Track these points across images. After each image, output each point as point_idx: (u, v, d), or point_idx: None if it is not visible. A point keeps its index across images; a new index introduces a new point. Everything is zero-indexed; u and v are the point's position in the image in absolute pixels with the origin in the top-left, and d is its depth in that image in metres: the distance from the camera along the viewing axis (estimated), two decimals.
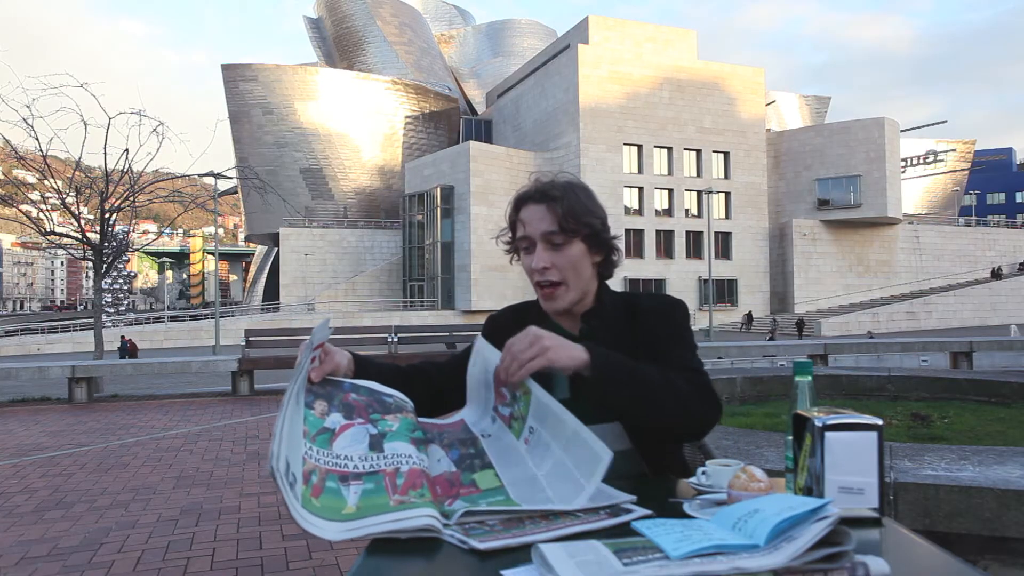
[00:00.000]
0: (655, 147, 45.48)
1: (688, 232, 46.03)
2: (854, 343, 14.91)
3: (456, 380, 1.41)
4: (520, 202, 1.48)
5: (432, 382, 1.49)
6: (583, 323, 1.48)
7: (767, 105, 52.90)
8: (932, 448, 2.76)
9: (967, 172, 72.26)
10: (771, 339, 31.71)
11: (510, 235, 1.51)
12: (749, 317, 43.01)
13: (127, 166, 13.73)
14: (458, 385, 1.37)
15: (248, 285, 79.97)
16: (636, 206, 45.20)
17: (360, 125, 55.17)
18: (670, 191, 46.02)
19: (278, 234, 50.94)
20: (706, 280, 41.42)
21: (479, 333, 1.50)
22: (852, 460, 1.00)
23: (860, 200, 46.17)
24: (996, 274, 49.29)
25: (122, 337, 29.49)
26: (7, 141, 13.40)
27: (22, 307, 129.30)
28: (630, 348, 1.39)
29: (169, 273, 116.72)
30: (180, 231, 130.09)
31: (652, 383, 1.26)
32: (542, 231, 1.43)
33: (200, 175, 22.22)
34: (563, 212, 1.42)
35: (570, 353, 1.21)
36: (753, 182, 47.27)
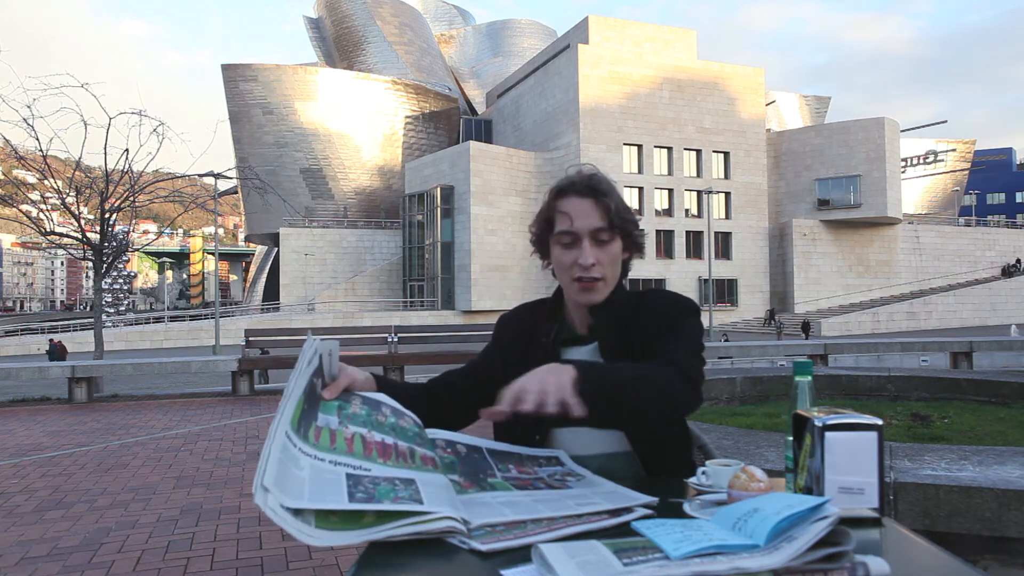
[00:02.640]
0: (655, 147, 45.47)
1: (688, 232, 46.02)
2: (854, 343, 14.90)
3: (486, 385, 1.38)
4: (561, 193, 1.42)
5: (459, 392, 1.47)
6: (592, 317, 1.45)
7: (767, 105, 52.90)
8: (932, 448, 2.76)
9: (967, 172, 72.28)
10: (726, 340, 30.39)
11: (540, 227, 1.46)
12: (771, 313, 43.09)
13: (127, 166, 13.70)
14: (488, 391, 1.30)
15: (248, 285, 79.99)
16: (636, 206, 45.14)
17: (360, 125, 55.16)
18: (670, 191, 46.01)
19: (278, 234, 50.94)
20: (706, 280, 41.42)
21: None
22: (852, 460, 1.00)
23: (860, 200, 46.17)
24: (1007, 272, 49.12)
25: (50, 340, 29.47)
26: (7, 141, 13.36)
27: (23, 307, 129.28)
28: (633, 342, 1.40)
29: (169, 273, 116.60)
30: (180, 231, 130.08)
31: (631, 381, 1.21)
32: (591, 227, 1.39)
33: (200, 175, 22.18)
34: (614, 209, 1.39)
35: (564, 379, 1.13)
36: (753, 182, 47.26)
